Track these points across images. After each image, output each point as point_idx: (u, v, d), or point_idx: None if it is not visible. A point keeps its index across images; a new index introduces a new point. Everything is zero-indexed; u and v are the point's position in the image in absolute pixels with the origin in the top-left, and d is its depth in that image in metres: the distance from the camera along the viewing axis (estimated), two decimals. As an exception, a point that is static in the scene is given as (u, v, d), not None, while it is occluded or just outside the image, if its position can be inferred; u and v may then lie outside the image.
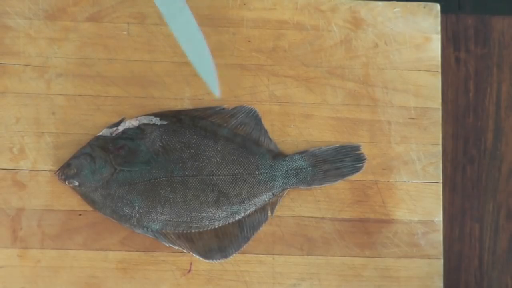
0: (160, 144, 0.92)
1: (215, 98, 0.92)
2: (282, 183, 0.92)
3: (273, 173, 0.92)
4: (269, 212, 0.92)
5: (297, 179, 0.92)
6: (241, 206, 0.91)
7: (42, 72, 0.94)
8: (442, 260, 0.94)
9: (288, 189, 0.93)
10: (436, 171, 0.96)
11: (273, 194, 0.92)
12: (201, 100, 0.95)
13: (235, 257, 0.92)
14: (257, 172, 0.92)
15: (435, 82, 0.98)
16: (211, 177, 0.91)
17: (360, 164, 0.94)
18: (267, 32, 0.96)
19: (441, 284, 0.94)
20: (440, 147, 0.97)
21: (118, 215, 0.91)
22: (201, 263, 0.91)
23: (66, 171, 0.90)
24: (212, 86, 0.87)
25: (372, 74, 0.97)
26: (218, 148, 0.92)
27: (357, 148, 0.94)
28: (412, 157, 0.96)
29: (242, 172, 0.92)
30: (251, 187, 0.92)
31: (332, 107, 0.96)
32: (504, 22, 1.03)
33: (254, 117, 0.94)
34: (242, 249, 0.92)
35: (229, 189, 0.91)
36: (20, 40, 0.95)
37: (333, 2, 0.98)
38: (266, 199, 0.92)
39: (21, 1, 0.95)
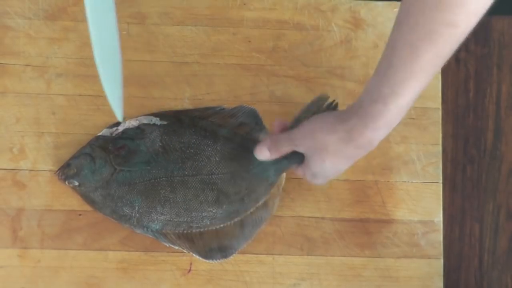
0: (160, 144, 0.92)
1: (214, 98, 0.92)
2: (274, 169, 0.91)
3: (264, 164, 0.91)
4: (271, 207, 0.92)
5: (286, 160, 0.90)
6: (241, 204, 0.91)
7: (42, 72, 0.94)
8: (442, 260, 0.94)
9: (283, 174, 0.91)
10: (436, 171, 0.96)
11: (269, 184, 0.92)
12: (201, 100, 0.95)
13: (235, 257, 0.92)
14: (251, 167, 0.92)
15: (435, 82, 0.98)
16: (210, 176, 0.91)
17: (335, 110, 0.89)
18: (267, 32, 0.97)
19: (441, 284, 0.94)
20: (440, 147, 0.97)
21: (118, 215, 0.91)
22: (201, 263, 0.91)
23: (66, 171, 0.90)
24: (116, 110, 0.83)
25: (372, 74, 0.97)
26: (218, 148, 0.92)
27: (325, 97, 0.89)
28: (412, 157, 0.96)
29: (238, 169, 0.92)
30: (248, 183, 0.92)
31: (332, 107, 0.96)
32: (504, 22, 1.03)
33: (254, 117, 0.94)
34: (242, 248, 0.92)
35: (228, 187, 0.91)
36: (20, 40, 0.95)
37: (333, 2, 0.98)
38: (264, 192, 0.92)
39: (21, 1, 0.95)
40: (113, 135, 0.92)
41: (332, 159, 0.80)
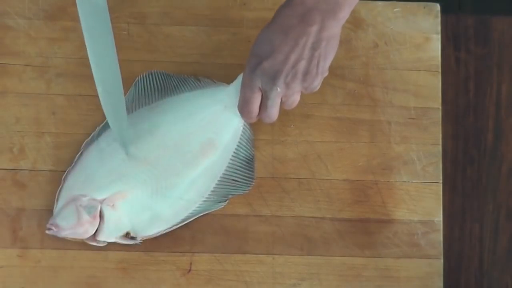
0: None
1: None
2: None
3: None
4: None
5: None
6: None
7: (42, 72, 0.94)
8: (442, 260, 0.94)
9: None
10: (436, 171, 0.96)
11: None
12: (201, 100, 0.95)
13: (235, 257, 0.92)
14: None
15: (435, 82, 0.98)
16: None
17: None
18: (267, 32, 0.96)
19: (441, 284, 0.94)
20: (440, 147, 0.96)
21: None
22: (201, 263, 0.91)
23: None
24: (122, 141, 0.87)
25: (372, 74, 0.97)
26: None
27: None
28: (412, 157, 0.96)
29: None
30: None
31: (332, 107, 0.96)
32: (504, 22, 1.03)
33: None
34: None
35: None
36: (20, 40, 0.95)
37: (333, 2, 0.98)
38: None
39: (21, 1, 0.95)
40: None
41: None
